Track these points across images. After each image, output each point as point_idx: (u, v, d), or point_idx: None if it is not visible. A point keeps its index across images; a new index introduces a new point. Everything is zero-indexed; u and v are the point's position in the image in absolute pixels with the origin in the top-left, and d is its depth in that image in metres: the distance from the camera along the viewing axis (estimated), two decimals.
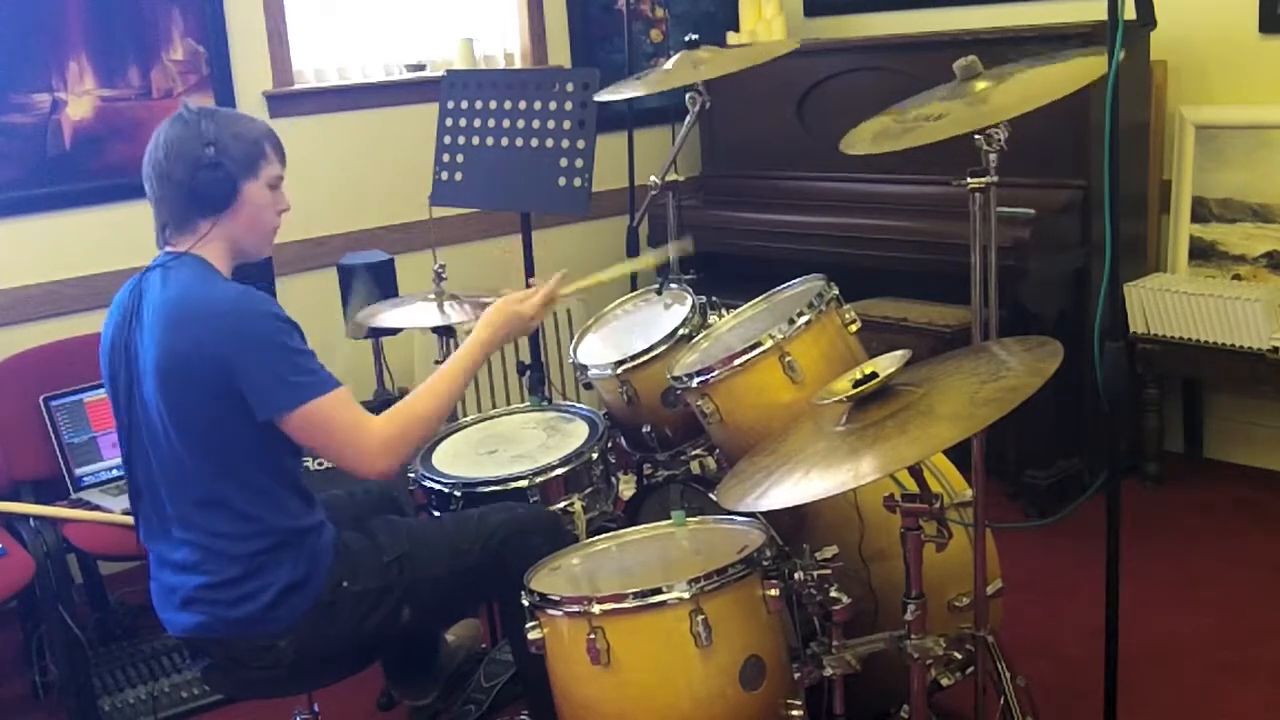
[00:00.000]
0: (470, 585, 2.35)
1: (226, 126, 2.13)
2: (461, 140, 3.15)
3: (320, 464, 3.22)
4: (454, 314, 2.94)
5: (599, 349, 2.79)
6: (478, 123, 3.12)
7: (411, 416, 2.18)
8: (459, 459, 2.67)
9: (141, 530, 2.22)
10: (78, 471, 3.21)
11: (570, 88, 2.97)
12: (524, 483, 2.49)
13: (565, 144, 2.96)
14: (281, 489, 2.15)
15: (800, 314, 2.29)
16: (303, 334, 2.10)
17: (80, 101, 3.54)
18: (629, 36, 3.96)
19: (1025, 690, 2.24)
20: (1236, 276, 3.69)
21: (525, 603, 2.02)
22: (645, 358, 2.59)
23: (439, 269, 2.98)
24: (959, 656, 2.25)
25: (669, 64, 3.02)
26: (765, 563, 1.99)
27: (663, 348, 2.59)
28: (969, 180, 2.13)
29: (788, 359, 2.27)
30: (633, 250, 3.47)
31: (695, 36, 2.97)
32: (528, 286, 3.21)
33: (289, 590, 2.12)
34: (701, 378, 2.32)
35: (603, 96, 2.96)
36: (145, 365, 2.10)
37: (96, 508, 3.05)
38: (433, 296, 2.98)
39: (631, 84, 3.01)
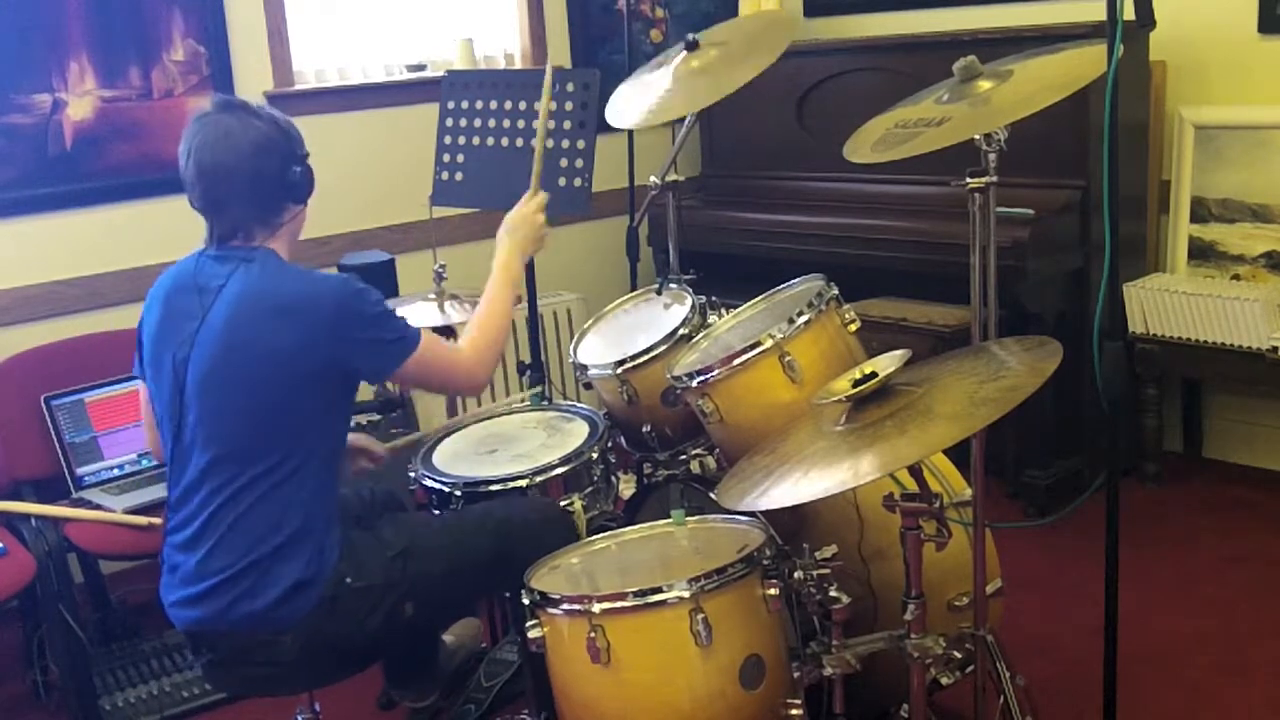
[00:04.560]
0: (475, 579, 2.36)
1: (288, 120, 2.23)
2: (461, 140, 3.15)
3: None
4: (454, 314, 2.94)
5: (599, 349, 2.80)
6: (478, 123, 3.12)
7: (482, 329, 2.39)
8: (459, 458, 2.67)
9: (169, 515, 2.22)
10: (79, 471, 3.21)
11: (570, 88, 2.98)
12: (524, 482, 2.49)
13: (565, 144, 2.96)
14: (317, 494, 2.17)
15: (800, 314, 2.29)
16: (383, 299, 2.24)
17: (81, 102, 3.54)
18: (629, 36, 3.95)
19: (1025, 690, 2.24)
20: (1236, 276, 3.69)
21: (525, 601, 2.02)
22: (645, 358, 2.59)
23: (439, 269, 2.99)
24: (959, 656, 2.25)
25: (669, 67, 3.00)
26: (765, 562, 1.99)
27: (663, 348, 2.59)
28: (969, 180, 2.13)
29: (787, 359, 2.27)
30: (632, 250, 3.47)
31: (696, 36, 2.97)
32: (528, 285, 3.24)
33: (296, 587, 2.12)
34: (701, 377, 2.32)
35: (623, 124, 2.92)
36: (218, 349, 2.10)
37: (98, 507, 3.06)
38: (433, 296, 2.98)
39: (645, 111, 2.93)
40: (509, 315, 2.44)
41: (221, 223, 2.18)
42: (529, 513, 2.37)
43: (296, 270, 2.18)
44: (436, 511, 2.54)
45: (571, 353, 2.81)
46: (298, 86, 3.98)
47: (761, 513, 2.06)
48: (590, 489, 2.58)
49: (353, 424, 3.31)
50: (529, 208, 2.58)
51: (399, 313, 2.23)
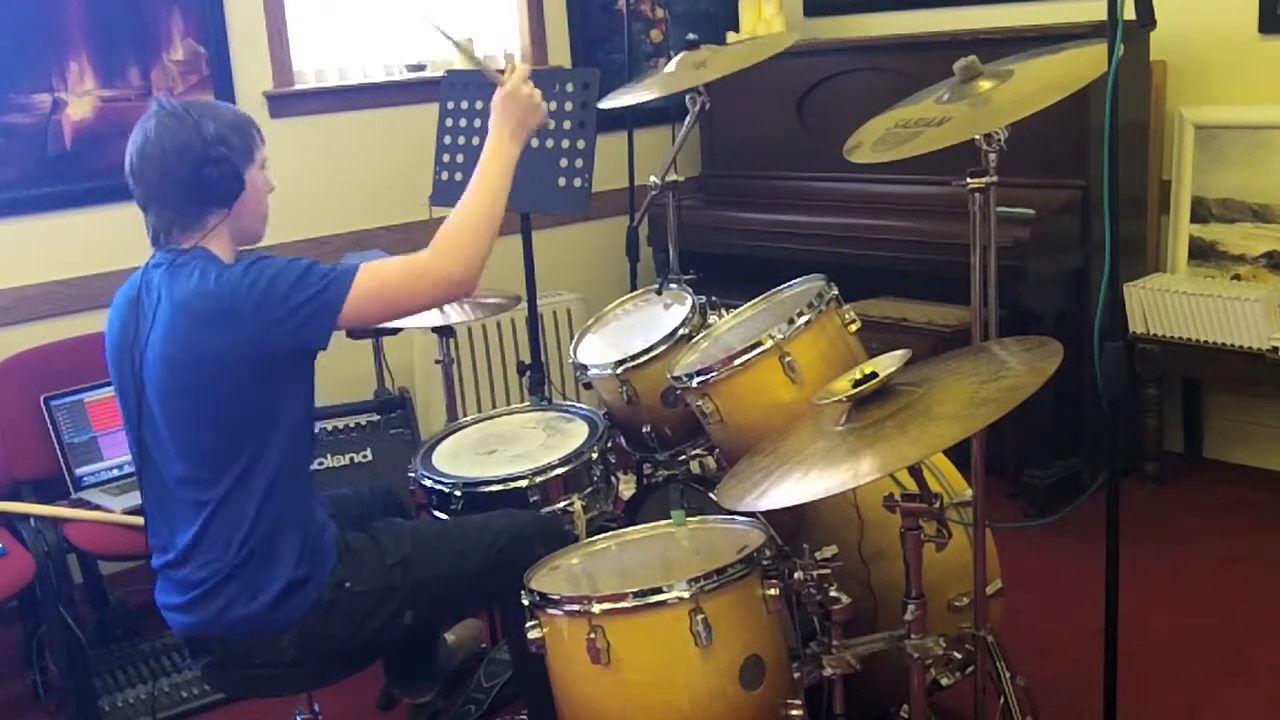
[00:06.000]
0: (472, 589, 2.35)
1: (219, 118, 2.13)
2: (461, 140, 3.15)
3: (320, 464, 3.23)
4: (454, 314, 2.94)
5: (599, 349, 2.79)
6: (478, 123, 3.12)
7: (459, 217, 2.17)
8: (459, 459, 2.68)
9: (149, 527, 2.22)
10: (78, 471, 3.21)
11: (570, 88, 2.98)
12: (524, 482, 2.49)
13: (565, 144, 2.96)
14: (293, 487, 2.16)
15: (800, 314, 2.29)
16: (300, 260, 2.10)
17: (81, 102, 3.54)
18: (629, 36, 3.96)
19: (1025, 690, 2.24)
20: (1236, 276, 3.69)
21: (525, 602, 2.02)
22: (645, 358, 2.59)
23: None
24: (959, 656, 2.25)
25: (671, 65, 3.03)
26: (765, 562, 1.99)
27: (663, 348, 2.59)
28: (969, 180, 2.13)
29: (788, 359, 2.27)
30: (632, 250, 3.47)
31: (695, 36, 2.97)
32: (528, 285, 3.24)
33: (291, 589, 2.12)
34: (701, 378, 2.32)
35: (608, 103, 2.96)
36: (163, 363, 2.08)
37: (97, 507, 3.05)
38: None
39: (635, 89, 3.01)
40: (493, 206, 2.19)
41: (149, 222, 2.16)
42: (528, 525, 2.36)
43: (214, 270, 2.08)
44: (436, 513, 2.54)
45: (571, 353, 2.81)
46: (298, 86, 3.98)
47: (761, 513, 2.05)
48: (590, 489, 2.58)
49: (353, 424, 3.34)
50: (511, 83, 2.30)
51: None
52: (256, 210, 2.22)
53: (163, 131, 2.08)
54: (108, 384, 3.20)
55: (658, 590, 1.91)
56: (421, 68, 4.22)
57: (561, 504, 2.52)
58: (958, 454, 2.23)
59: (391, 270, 2.13)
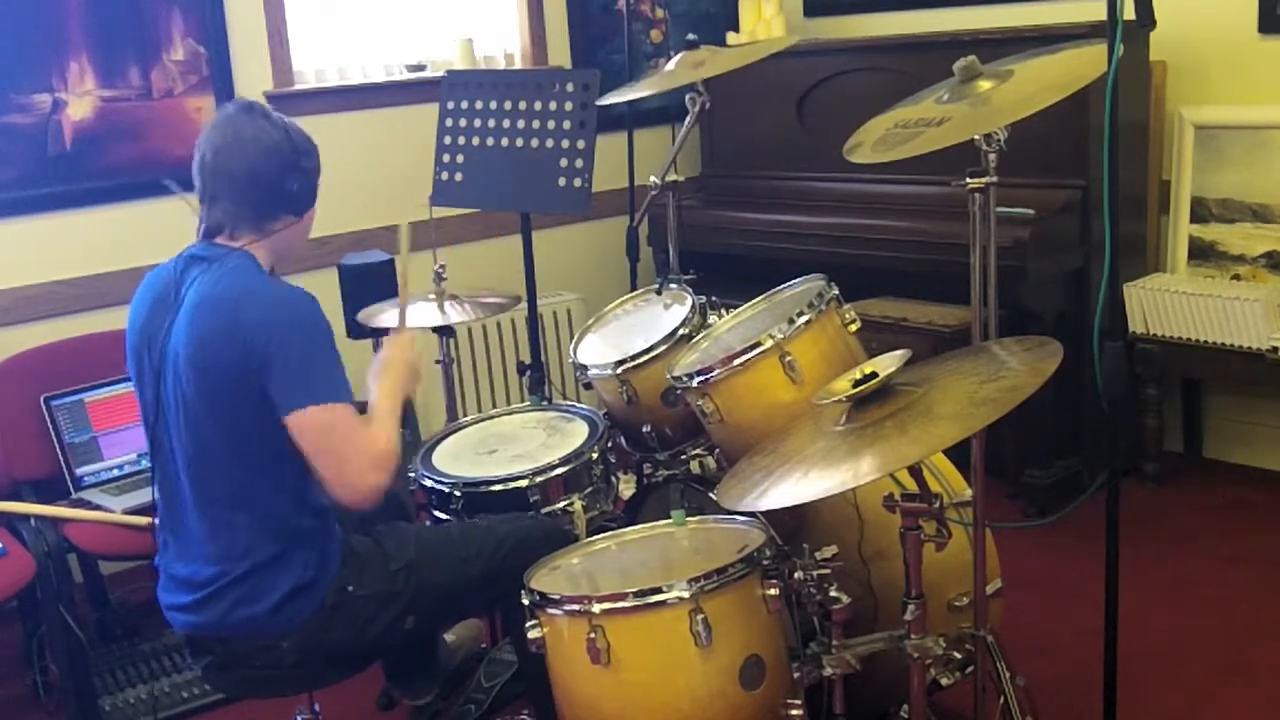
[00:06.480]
0: (474, 594, 2.35)
1: (302, 134, 2.20)
2: (461, 140, 3.15)
3: None
4: (453, 314, 2.94)
5: (599, 349, 2.79)
6: (478, 123, 3.12)
7: (391, 440, 2.15)
8: (459, 459, 2.68)
9: (158, 523, 2.22)
10: (78, 471, 3.21)
11: (570, 88, 2.98)
12: (524, 482, 2.49)
13: (565, 144, 2.97)
14: (302, 491, 2.15)
15: (800, 314, 2.29)
16: (334, 344, 2.10)
17: (81, 102, 3.54)
18: (629, 37, 3.96)
19: (1025, 690, 2.24)
20: (1236, 276, 3.69)
21: (525, 602, 2.02)
22: (645, 358, 2.59)
23: (439, 269, 2.99)
24: (959, 656, 2.25)
25: (670, 65, 3.03)
26: (765, 562, 1.99)
27: (663, 348, 2.59)
28: (969, 180, 2.13)
29: (788, 359, 2.27)
30: (632, 250, 3.47)
31: (695, 37, 2.97)
32: (527, 285, 3.24)
33: (295, 593, 2.12)
34: (701, 377, 2.32)
35: (606, 100, 2.97)
36: (180, 354, 2.08)
37: (97, 507, 3.05)
38: (433, 296, 2.98)
39: (634, 85, 3.02)
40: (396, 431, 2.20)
41: (212, 215, 2.16)
42: (533, 531, 2.36)
43: (264, 276, 2.11)
44: (436, 512, 2.54)
45: (571, 353, 2.81)
46: (298, 86, 3.98)
47: (761, 513, 2.05)
48: (590, 489, 2.58)
49: None
50: (396, 348, 2.34)
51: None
52: (308, 231, 2.27)
53: (257, 130, 2.13)
54: (108, 384, 3.26)
55: (658, 590, 1.91)
56: (421, 68, 4.22)
57: (561, 504, 2.51)
58: (958, 454, 2.23)
59: (354, 431, 2.08)
